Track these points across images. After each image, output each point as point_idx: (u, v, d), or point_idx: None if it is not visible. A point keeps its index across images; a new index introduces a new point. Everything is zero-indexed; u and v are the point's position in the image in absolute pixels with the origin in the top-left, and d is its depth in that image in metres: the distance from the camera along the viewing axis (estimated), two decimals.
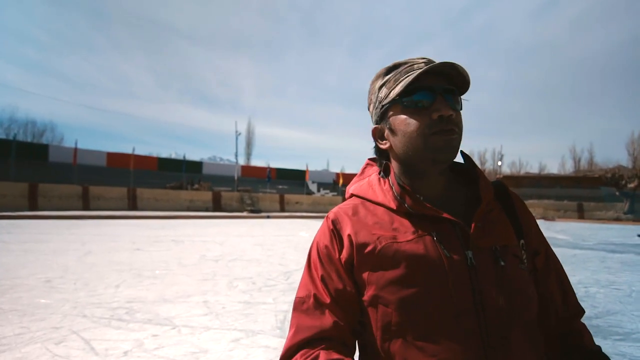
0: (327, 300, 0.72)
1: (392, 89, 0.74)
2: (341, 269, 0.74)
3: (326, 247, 0.76)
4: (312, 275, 0.76)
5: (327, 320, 0.71)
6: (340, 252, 0.75)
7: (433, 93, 0.71)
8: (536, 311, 0.72)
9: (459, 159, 0.83)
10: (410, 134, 0.72)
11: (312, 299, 0.73)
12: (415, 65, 0.73)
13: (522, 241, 0.76)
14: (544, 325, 0.79)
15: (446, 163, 0.74)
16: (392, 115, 0.75)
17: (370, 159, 0.91)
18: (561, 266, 0.83)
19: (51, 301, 4.12)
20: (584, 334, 0.80)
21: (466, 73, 0.71)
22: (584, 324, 0.83)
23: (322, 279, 0.74)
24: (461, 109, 0.74)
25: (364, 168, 0.91)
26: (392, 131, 0.76)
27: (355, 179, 0.89)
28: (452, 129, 0.70)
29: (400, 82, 0.73)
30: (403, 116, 0.73)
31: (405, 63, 0.75)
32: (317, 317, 0.72)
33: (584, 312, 0.83)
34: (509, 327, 0.66)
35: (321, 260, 0.76)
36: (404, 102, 0.73)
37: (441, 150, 0.70)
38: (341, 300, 0.72)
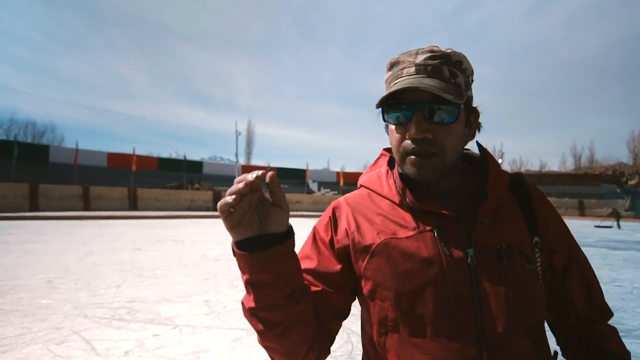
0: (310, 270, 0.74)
1: (384, 94, 0.70)
2: (328, 253, 0.75)
3: (320, 231, 0.78)
4: (303, 250, 0.79)
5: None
6: (333, 239, 0.76)
7: (410, 109, 0.67)
8: (543, 313, 0.70)
9: (474, 148, 0.81)
10: (393, 146, 0.73)
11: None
12: (405, 70, 0.68)
13: (535, 238, 0.71)
14: (563, 326, 0.76)
15: (428, 182, 0.71)
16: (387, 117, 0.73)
17: (385, 149, 0.89)
18: (588, 265, 0.78)
19: (52, 301, 4.13)
20: (611, 338, 0.76)
21: (438, 90, 0.63)
22: (613, 328, 0.78)
23: (307, 256, 0.77)
24: (454, 120, 0.67)
25: (378, 158, 0.89)
26: (387, 132, 0.75)
27: (368, 169, 0.88)
28: (427, 152, 0.66)
29: (387, 90, 0.69)
30: (391, 125, 0.72)
31: (398, 64, 0.70)
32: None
33: (612, 314, 0.78)
34: (509, 328, 0.64)
35: (314, 241, 0.78)
36: (385, 117, 0.72)
37: (414, 175, 0.69)
38: (322, 274, 0.74)
